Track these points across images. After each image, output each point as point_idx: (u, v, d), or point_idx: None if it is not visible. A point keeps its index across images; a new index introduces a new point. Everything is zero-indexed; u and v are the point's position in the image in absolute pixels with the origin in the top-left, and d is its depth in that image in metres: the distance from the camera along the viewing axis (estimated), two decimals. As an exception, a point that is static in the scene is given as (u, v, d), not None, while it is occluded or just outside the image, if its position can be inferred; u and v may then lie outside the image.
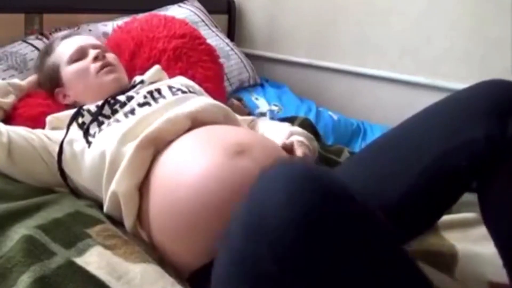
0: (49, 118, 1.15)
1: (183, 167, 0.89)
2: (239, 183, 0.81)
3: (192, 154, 0.91)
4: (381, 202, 0.77)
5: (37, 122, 1.18)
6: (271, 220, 0.58)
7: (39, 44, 1.50)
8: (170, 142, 0.96)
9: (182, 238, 0.85)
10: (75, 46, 1.24)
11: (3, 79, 1.35)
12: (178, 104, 1.06)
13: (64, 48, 1.26)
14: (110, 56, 1.27)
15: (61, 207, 0.93)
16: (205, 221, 0.82)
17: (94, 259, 0.79)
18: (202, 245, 0.82)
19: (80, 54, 1.23)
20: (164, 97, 1.12)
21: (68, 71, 1.23)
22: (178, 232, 0.85)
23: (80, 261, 0.78)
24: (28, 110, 1.24)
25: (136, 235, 0.94)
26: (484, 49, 1.71)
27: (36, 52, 1.46)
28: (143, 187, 0.94)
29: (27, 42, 1.51)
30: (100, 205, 0.99)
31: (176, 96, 1.11)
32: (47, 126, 1.15)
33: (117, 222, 0.95)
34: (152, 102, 1.10)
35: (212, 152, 0.87)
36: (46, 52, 1.31)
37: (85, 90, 1.17)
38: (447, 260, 0.99)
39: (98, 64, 1.21)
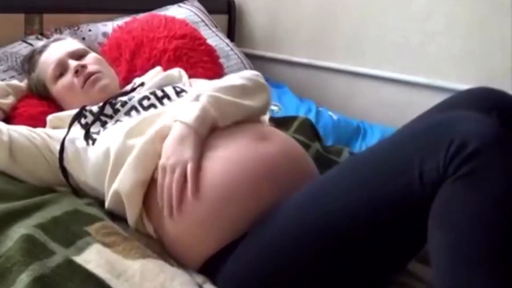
0: (49, 118, 1.15)
1: (206, 154, 0.91)
2: (264, 166, 0.88)
3: (214, 143, 0.93)
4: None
5: (38, 121, 1.18)
6: (459, 127, 0.68)
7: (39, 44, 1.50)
8: None
9: (204, 224, 0.86)
10: (54, 61, 1.21)
11: (3, 80, 1.35)
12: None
13: (44, 64, 1.23)
14: (92, 61, 1.22)
15: (60, 206, 0.93)
16: (231, 204, 0.85)
17: (93, 257, 0.79)
18: (225, 228, 0.85)
19: (61, 68, 1.20)
20: (168, 96, 1.12)
21: (55, 90, 1.22)
22: (200, 219, 0.86)
23: (79, 259, 0.79)
24: (28, 110, 1.23)
25: (139, 229, 0.94)
26: (484, 49, 1.71)
27: (36, 52, 1.45)
28: (152, 182, 0.93)
29: (27, 42, 1.51)
30: (100, 203, 0.99)
31: (180, 98, 1.12)
32: (47, 125, 1.15)
33: (118, 218, 0.96)
34: (157, 103, 1.11)
35: (236, 139, 0.92)
36: (29, 70, 1.28)
37: (79, 102, 1.16)
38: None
39: (81, 77, 1.17)
